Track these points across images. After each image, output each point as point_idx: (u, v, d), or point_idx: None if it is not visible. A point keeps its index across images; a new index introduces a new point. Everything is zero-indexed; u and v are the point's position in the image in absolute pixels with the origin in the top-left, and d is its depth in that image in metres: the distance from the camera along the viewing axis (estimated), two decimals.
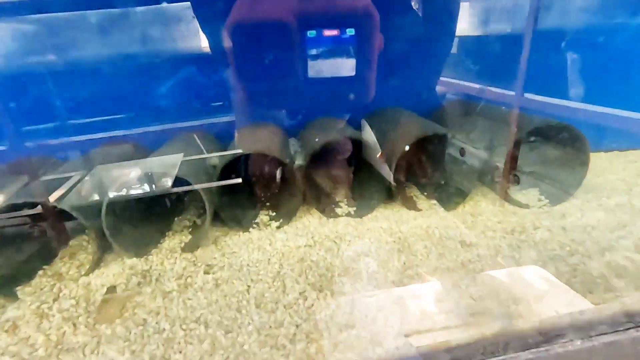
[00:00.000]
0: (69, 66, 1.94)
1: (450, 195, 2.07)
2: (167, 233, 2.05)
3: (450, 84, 2.58)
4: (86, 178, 1.83)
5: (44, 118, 1.90)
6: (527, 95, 1.91)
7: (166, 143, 2.28)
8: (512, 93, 1.96)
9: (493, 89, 2.36)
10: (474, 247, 1.57)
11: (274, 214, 2.15)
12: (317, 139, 2.05)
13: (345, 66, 1.91)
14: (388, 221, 1.90)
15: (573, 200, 1.94)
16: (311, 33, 1.83)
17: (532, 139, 2.04)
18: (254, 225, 2.04)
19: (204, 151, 2.11)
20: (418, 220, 1.87)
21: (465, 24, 2.49)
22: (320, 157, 2.09)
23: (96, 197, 1.67)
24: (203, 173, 2.00)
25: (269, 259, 1.68)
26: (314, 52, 1.87)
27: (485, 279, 1.07)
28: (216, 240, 1.93)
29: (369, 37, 1.82)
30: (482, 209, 1.92)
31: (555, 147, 2.00)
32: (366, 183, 2.28)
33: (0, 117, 1.31)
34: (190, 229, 2.09)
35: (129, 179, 1.79)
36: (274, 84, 2.10)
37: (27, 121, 1.78)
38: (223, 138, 2.43)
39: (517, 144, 1.86)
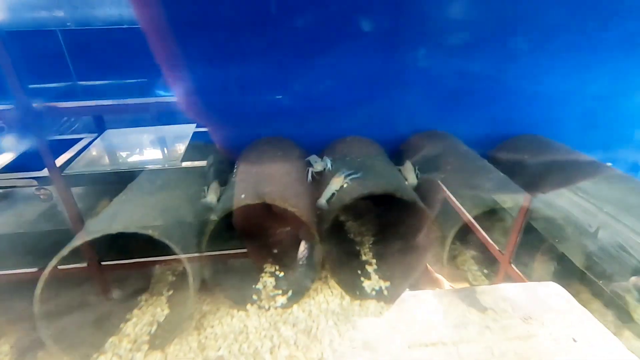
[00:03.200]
0: (81, 24, 1.74)
1: None
2: (141, 298, 1.50)
3: None
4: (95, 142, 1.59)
5: (54, 78, 1.78)
6: None
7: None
8: None
9: None
10: None
11: (281, 275, 1.53)
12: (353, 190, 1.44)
13: None
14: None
15: None
16: None
17: None
18: (254, 296, 1.48)
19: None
20: None
21: None
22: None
23: None
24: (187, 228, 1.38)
25: None
26: None
27: (496, 291, 0.96)
28: (202, 321, 1.39)
29: None
30: None
31: None
32: (402, 244, 1.67)
33: (7, 75, 1.12)
34: (171, 292, 1.51)
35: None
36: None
37: (35, 80, 1.71)
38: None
39: None
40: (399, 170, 1.70)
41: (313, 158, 1.73)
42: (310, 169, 1.68)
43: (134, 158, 1.56)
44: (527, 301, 0.93)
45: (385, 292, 1.47)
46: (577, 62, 1.82)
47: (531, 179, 1.66)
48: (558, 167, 1.66)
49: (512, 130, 1.98)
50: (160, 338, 1.30)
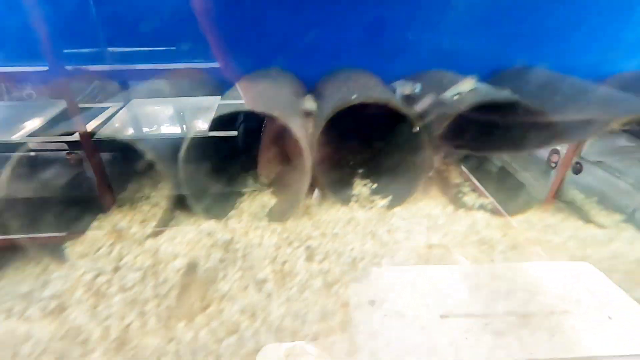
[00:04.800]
0: None
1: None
2: (243, 191, 1.63)
3: None
4: (122, 110, 1.53)
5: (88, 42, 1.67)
6: None
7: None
8: None
9: None
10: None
11: (375, 186, 1.66)
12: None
13: None
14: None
15: None
16: None
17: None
18: (353, 199, 1.56)
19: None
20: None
21: None
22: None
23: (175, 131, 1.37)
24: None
25: (392, 257, 1.21)
26: None
27: (527, 269, 0.94)
28: (308, 210, 1.48)
29: None
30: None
31: None
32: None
33: (41, 37, 1.09)
34: (271, 189, 1.65)
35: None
36: None
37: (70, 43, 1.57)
38: None
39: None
40: None
41: (399, 83, 1.71)
42: (399, 90, 1.66)
43: (161, 127, 1.49)
44: (559, 279, 0.91)
45: (489, 207, 1.51)
46: None
47: None
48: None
49: None
50: (275, 215, 1.42)
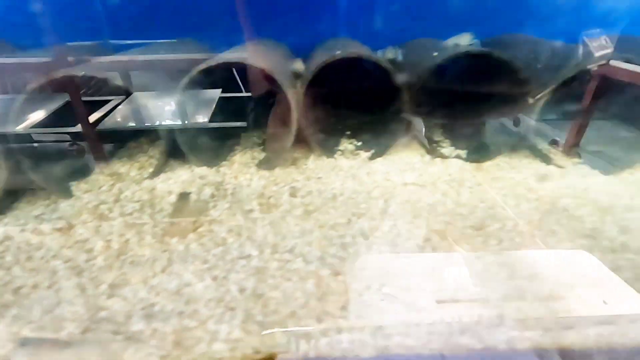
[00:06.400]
0: None
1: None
2: (235, 148, 1.74)
3: None
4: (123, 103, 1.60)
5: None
6: None
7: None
8: None
9: None
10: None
11: (360, 143, 1.76)
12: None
13: None
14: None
15: None
16: None
17: None
18: (339, 151, 1.67)
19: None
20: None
21: None
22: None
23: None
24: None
25: (370, 192, 1.31)
26: None
27: (525, 257, 0.97)
28: (295, 161, 1.59)
29: None
30: None
31: None
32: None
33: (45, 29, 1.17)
34: (261, 147, 1.76)
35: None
36: None
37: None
38: None
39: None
40: None
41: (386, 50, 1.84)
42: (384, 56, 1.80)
43: (162, 117, 1.54)
44: (556, 267, 0.92)
45: (464, 156, 1.62)
46: None
47: None
48: None
49: None
50: (264, 165, 1.52)
